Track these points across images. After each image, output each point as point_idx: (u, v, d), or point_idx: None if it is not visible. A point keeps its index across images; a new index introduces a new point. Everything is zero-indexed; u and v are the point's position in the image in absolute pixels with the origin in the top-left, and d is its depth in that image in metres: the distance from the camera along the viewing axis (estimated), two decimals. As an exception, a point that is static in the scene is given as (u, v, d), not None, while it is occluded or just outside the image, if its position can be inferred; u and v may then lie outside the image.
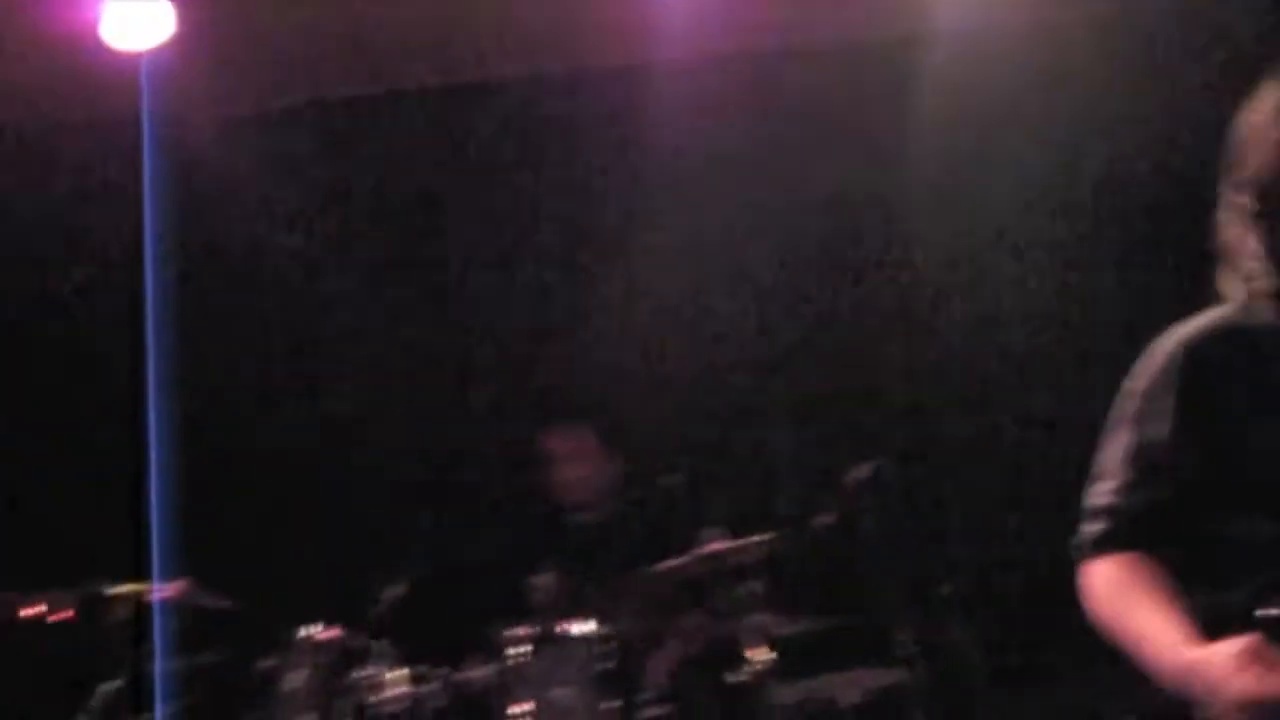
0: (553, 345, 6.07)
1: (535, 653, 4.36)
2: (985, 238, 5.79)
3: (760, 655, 4.39)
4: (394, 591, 4.58)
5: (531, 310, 6.16)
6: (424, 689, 4.34)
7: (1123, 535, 2.17)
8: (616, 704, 4.32)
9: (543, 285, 6.18)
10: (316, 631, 4.52)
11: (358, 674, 4.41)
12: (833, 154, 5.80)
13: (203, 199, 5.95)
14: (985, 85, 5.55)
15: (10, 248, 6.03)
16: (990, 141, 5.65)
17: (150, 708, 4.68)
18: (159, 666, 4.74)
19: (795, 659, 4.58)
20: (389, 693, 4.34)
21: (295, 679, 4.47)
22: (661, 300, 6.01)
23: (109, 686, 4.62)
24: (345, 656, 4.46)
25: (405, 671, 4.41)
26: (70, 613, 5.35)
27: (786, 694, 4.51)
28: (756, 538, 4.52)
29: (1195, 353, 2.16)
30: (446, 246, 6.24)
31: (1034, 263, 5.76)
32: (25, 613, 5.32)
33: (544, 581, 4.49)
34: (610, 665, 4.34)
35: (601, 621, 4.45)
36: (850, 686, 4.66)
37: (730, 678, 4.48)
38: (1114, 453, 2.20)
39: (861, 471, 4.59)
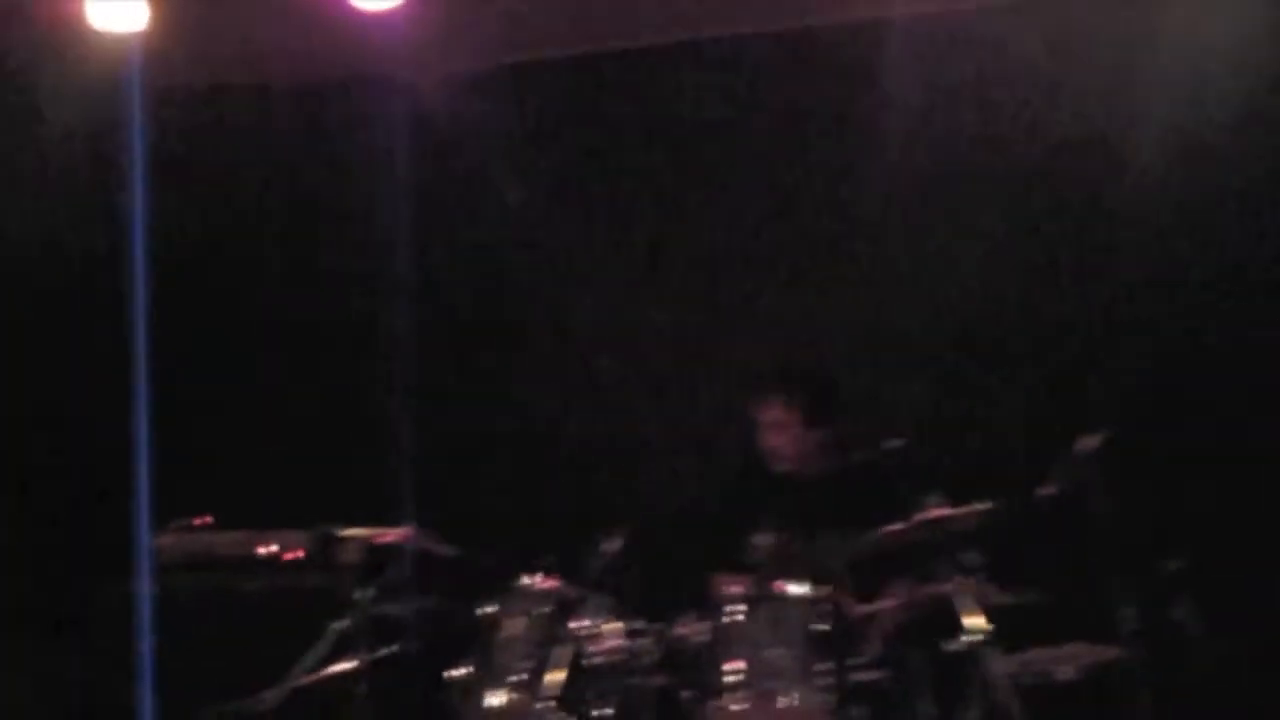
0: (777, 304, 6.06)
1: (750, 612, 4.35)
2: (1225, 191, 5.55)
3: (976, 625, 4.32)
4: (612, 545, 4.62)
5: (750, 272, 6.14)
6: (638, 643, 4.39)
7: None
8: (829, 667, 4.28)
9: (758, 246, 6.16)
10: (536, 581, 4.60)
11: (574, 625, 4.48)
12: (1065, 103, 5.64)
13: (442, 157, 6.09)
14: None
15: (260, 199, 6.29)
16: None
17: (376, 648, 4.83)
18: (385, 609, 4.89)
19: (1012, 630, 4.49)
20: (604, 645, 4.40)
21: (513, 627, 4.57)
22: (884, 260, 5.94)
23: (338, 625, 4.79)
24: (562, 607, 4.53)
25: (620, 625, 4.47)
26: (301, 552, 5.59)
27: (1001, 665, 4.43)
28: (979, 505, 4.45)
29: None
30: (676, 206, 6.26)
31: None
32: (261, 551, 5.58)
33: (763, 541, 4.48)
34: (825, 627, 4.31)
35: (818, 583, 4.43)
36: (1067, 661, 4.55)
37: (945, 646, 4.43)
38: None
39: (1090, 442, 4.48)
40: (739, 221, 6.18)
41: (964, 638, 4.31)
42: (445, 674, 4.56)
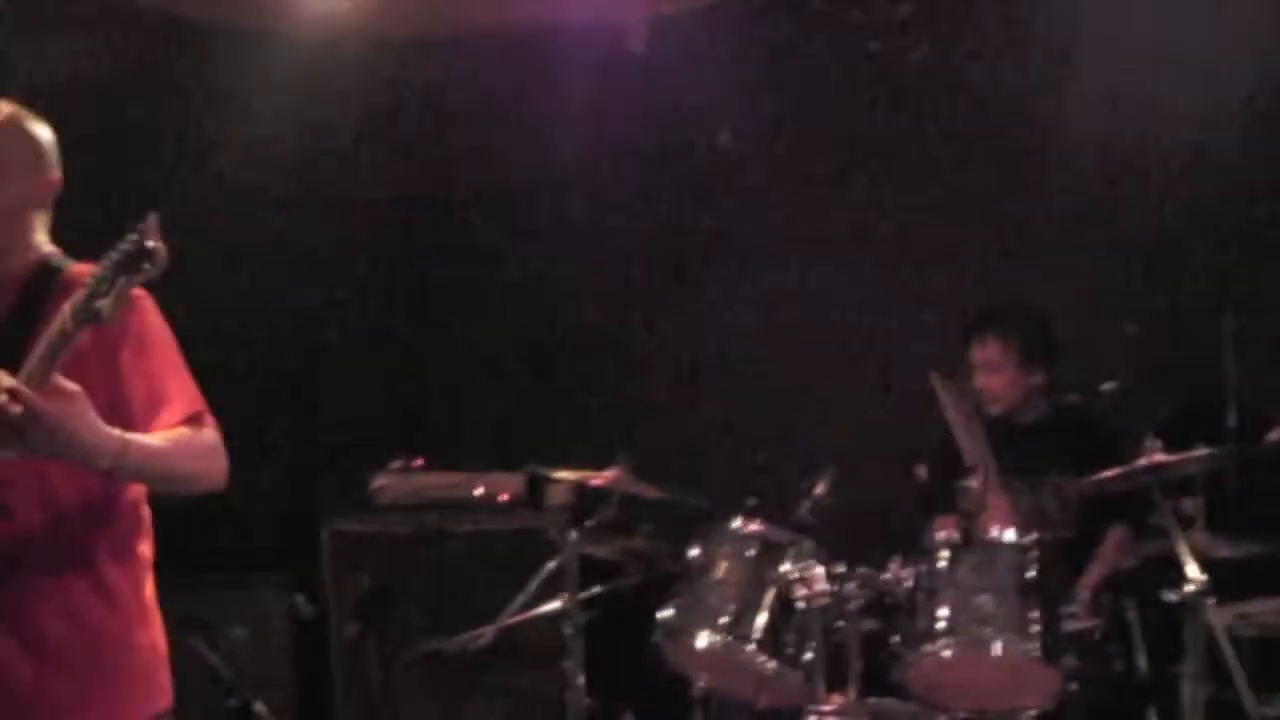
0: (981, 247, 5.96)
1: (959, 557, 4.29)
2: None
3: (1195, 575, 4.20)
4: (820, 487, 4.61)
5: (971, 210, 6.05)
6: (846, 588, 4.37)
7: None
8: (1039, 614, 4.19)
9: (959, 189, 6.06)
10: (742, 524, 4.63)
11: (781, 568, 4.49)
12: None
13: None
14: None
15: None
16: None
17: (585, 589, 4.92)
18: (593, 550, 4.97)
19: (1229, 582, 4.36)
20: (811, 589, 4.38)
21: (720, 569, 4.60)
22: (1105, 200, 5.79)
23: (550, 565, 4.89)
24: (770, 550, 4.54)
25: (826, 569, 4.45)
26: (512, 494, 5.73)
27: (1219, 617, 4.31)
28: (1200, 452, 4.32)
29: None
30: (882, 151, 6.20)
31: None
32: (474, 492, 5.72)
33: (973, 484, 4.40)
34: (1036, 574, 4.23)
35: (1031, 529, 4.37)
36: (1286, 615, 4.43)
37: (1163, 596, 4.32)
38: None
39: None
40: (939, 166, 6.08)
41: (1182, 588, 4.17)
42: (655, 615, 4.61)
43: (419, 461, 5.80)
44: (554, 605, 4.93)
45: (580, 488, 5.20)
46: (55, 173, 2.97)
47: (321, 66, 6.08)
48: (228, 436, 2.91)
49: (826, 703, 4.32)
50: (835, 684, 4.33)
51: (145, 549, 2.97)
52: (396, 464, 5.79)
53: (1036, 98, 5.84)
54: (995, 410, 5.08)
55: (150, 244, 2.44)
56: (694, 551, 4.67)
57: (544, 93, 6.22)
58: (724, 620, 4.45)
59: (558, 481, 5.43)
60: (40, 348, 2.53)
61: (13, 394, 2.47)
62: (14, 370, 2.61)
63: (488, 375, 6.41)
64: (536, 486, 5.70)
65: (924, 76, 6.06)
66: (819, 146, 6.19)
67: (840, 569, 4.42)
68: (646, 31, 6.13)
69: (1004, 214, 5.97)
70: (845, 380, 6.00)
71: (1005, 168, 5.95)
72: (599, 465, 4.92)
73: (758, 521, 4.60)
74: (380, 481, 5.73)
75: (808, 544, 4.50)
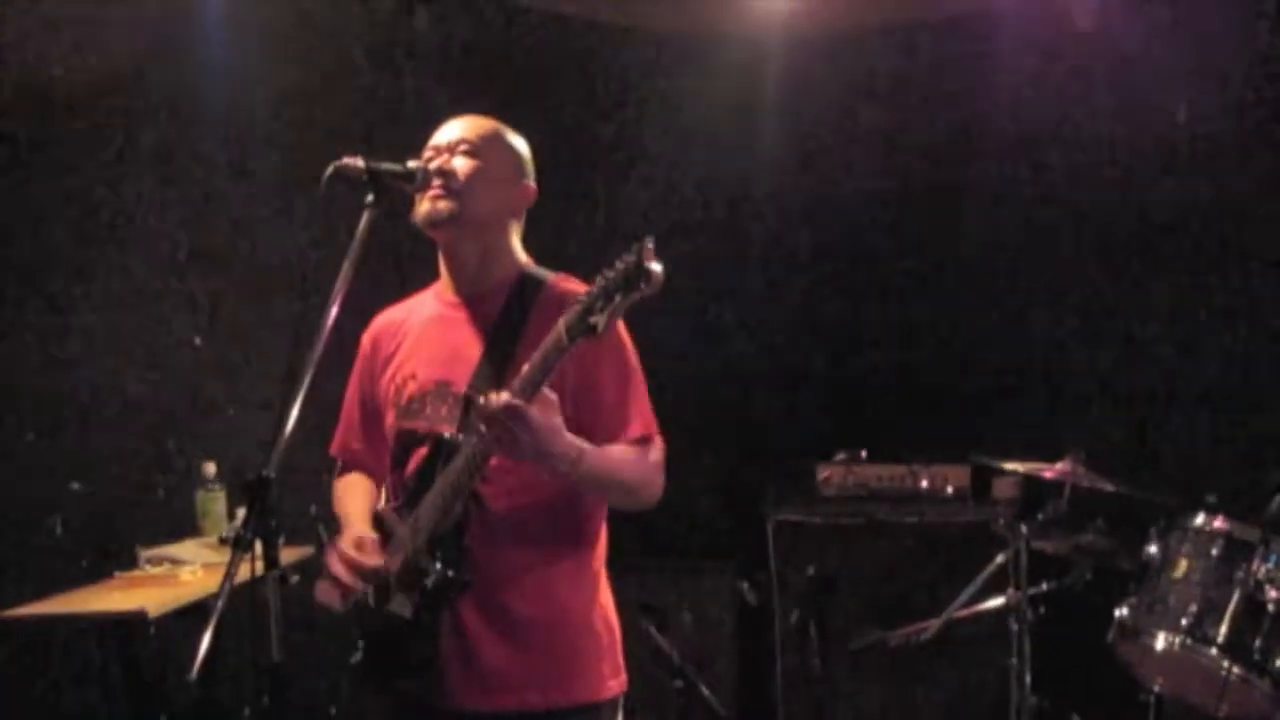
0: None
1: None
2: None
3: None
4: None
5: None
6: (1323, 590, 4.06)
7: None
8: None
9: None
10: (1207, 520, 4.38)
11: (1249, 568, 4.22)
12: None
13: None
14: None
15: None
16: None
17: (1035, 584, 4.78)
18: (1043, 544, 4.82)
19: None
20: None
21: (1180, 567, 4.38)
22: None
23: (998, 559, 4.79)
24: (1236, 548, 4.27)
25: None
26: (957, 486, 5.64)
27: None
28: None
29: None
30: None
31: None
32: (920, 484, 5.67)
33: None
34: None
35: None
36: None
37: None
38: None
39: None
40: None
41: None
42: (1105, 614, 4.44)
43: (863, 453, 5.80)
44: (1000, 600, 4.83)
45: (1029, 480, 5.06)
46: (532, 183, 3.14)
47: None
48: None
49: (1297, 715, 4.04)
50: (1306, 696, 4.03)
51: (604, 537, 3.10)
52: (841, 455, 5.81)
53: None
54: None
55: (650, 265, 2.48)
56: (1151, 548, 4.49)
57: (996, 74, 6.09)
58: (1185, 621, 4.25)
59: (1005, 474, 5.31)
60: (536, 358, 2.65)
61: (512, 412, 2.62)
62: (502, 377, 2.80)
63: (930, 366, 6.31)
64: (983, 479, 5.60)
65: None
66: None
67: (1317, 570, 4.11)
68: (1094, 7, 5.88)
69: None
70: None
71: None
72: (1050, 457, 4.77)
73: (1222, 518, 4.34)
74: (825, 473, 5.77)
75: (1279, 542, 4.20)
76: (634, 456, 2.92)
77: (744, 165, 6.43)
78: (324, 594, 2.99)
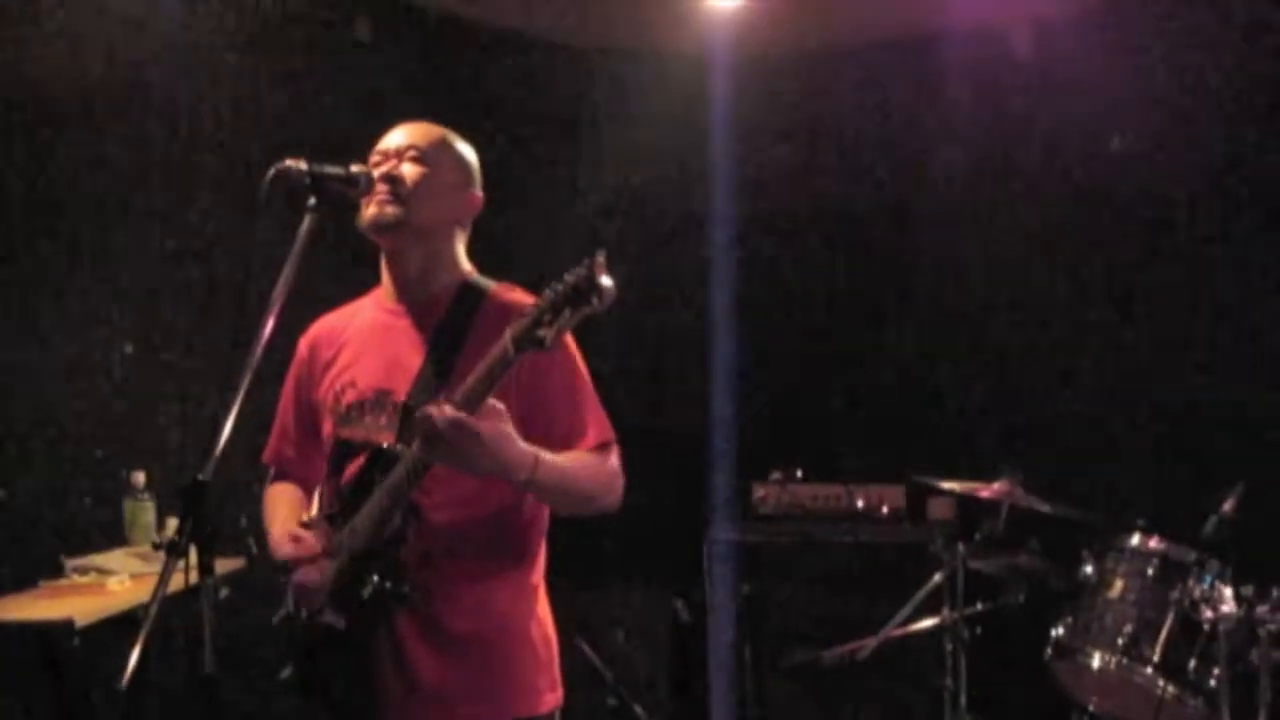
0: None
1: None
2: None
3: None
4: (1227, 505, 4.33)
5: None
6: (1258, 611, 4.08)
7: None
8: None
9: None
10: (1142, 540, 4.41)
11: (1184, 588, 4.25)
12: None
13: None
14: None
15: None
16: None
17: (970, 604, 4.80)
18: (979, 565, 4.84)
19: None
20: (1218, 611, 4.13)
21: (1116, 587, 4.40)
22: None
23: (935, 579, 4.80)
24: (1171, 569, 4.31)
25: (1233, 590, 4.18)
26: (894, 506, 5.65)
27: None
28: None
29: None
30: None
31: None
32: (855, 503, 5.68)
33: None
34: None
35: None
36: None
37: None
38: None
39: None
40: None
41: None
42: (1050, 632, 4.46)
43: (799, 472, 5.80)
44: (936, 620, 4.84)
45: (962, 500, 5.08)
46: (479, 191, 3.10)
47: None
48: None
49: (1232, 734, 4.06)
50: (1242, 715, 4.06)
51: (542, 552, 3.06)
52: (776, 475, 5.80)
53: None
54: None
55: (601, 280, 2.45)
56: (1087, 569, 4.53)
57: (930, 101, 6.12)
58: (1120, 641, 4.29)
59: (941, 493, 5.32)
60: (480, 370, 2.62)
61: (456, 424, 2.58)
62: (443, 386, 2.75)
63: (868, 387, 6.32)
64: (919, 499, 5.61)
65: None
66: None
67: (1250, 591, 4.14)
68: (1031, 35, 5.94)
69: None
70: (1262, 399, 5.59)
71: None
72: (985, 477, 4.79)
73: (1157, 538, 4.37)
74: (761, 492, 5.76)
75: (1213, 563, 4.24)
76: (592, 462, 2.89)
77: (690, 183, 6.42)
78: (305, 575, 2.90)
